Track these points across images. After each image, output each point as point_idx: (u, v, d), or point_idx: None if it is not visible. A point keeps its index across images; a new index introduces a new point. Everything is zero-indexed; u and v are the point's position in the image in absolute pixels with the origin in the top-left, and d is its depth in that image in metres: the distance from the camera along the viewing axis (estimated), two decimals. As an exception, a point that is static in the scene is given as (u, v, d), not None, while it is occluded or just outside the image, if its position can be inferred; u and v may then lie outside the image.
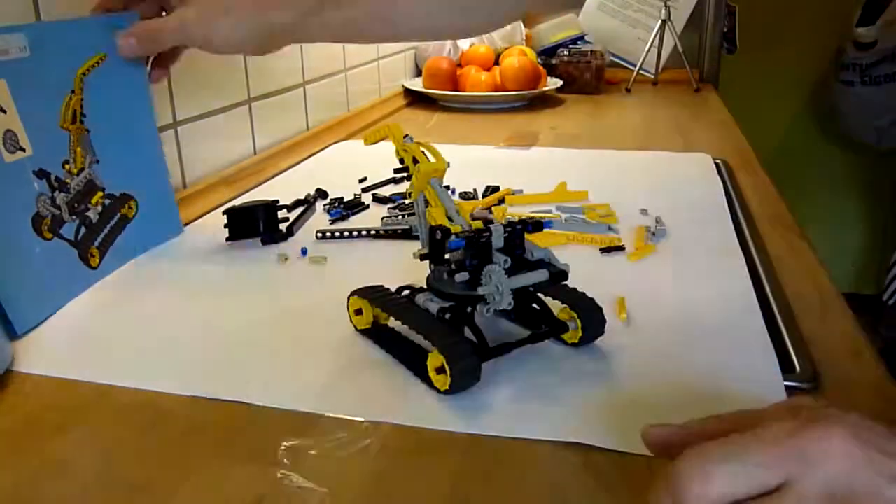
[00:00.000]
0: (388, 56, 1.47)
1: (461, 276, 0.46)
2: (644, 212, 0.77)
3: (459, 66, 1.51)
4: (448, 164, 0.52)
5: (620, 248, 0.67)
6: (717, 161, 1.00)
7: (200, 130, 0.87)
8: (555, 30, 1.67)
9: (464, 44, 1.52)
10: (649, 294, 0.58)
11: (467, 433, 0.41)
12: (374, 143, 0.57)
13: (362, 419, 0.43)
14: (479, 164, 1.00)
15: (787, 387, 0.45)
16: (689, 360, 0.48)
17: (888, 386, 0.46)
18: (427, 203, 0.52)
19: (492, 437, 0.41)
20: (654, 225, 0.72)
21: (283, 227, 0.72)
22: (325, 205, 0.82)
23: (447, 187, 0.84)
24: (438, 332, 0.46)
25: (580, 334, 0.49)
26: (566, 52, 1.62)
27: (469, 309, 0.47)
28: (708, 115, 1.39)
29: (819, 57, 2.34)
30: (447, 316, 0.47)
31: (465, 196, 0.84)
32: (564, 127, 1.27)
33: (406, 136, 0.53)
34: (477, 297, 0.46)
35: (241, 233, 0.70)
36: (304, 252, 0.67)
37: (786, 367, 0.47)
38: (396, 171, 0.53)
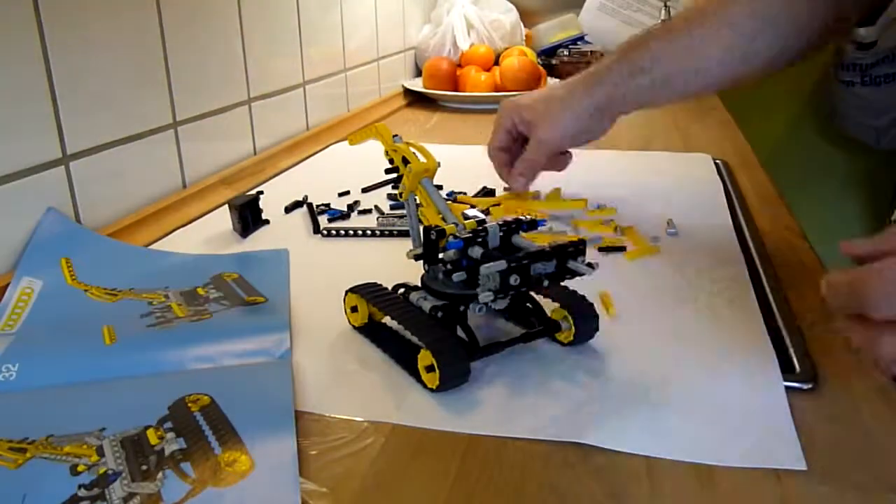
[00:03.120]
0: (388, 56, 1.47)
1: (458, 276, 0.46)
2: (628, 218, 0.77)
3: (459, 66, 1.51)
4: (439, 164, 0.52)
5: (620, 249, 0.67)
6: (717, 161, 1.00)
7: (200, 130, 0.87)
8: (555, 30, 1.67)
9: (464, 44, 1.52)
10: (648, 294, 0.58)
11: (467, 433, 0.41)
12: (359, 144, 0.57)
13: (362, 419, 0.43)
14: (479, 164, 0.99)
15: (787, 387, 0.45)
16: (689, 361, 0.48)
17: (888, 386, 0.46)
18: (418, 203, 0.52)
19: (492, 436, 0.41)
20: (666, 227, 0.72)
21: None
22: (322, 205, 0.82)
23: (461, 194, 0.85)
24: (429, 331, 0.46)
25: (573, 334, 0.49)
26: (566, 52, 1.62)
27: (462, 308, 0.47)
28: (708, 115, 1.39)
29: (819, 57, 2.34)
30: (439, 314, 0.47)
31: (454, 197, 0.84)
32: (564, 127, 1.26)
33: (395, 136, 0.53)
34: (469, 297, 0.46)
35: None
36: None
37: (786, 367, 0.47)
38: (387, 171, 0.53)
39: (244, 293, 0.59)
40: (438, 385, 0.44)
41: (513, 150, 0.79)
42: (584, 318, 0.49)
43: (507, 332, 0.50)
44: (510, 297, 0.46)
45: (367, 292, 0.52)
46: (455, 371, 0.45)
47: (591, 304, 0.50)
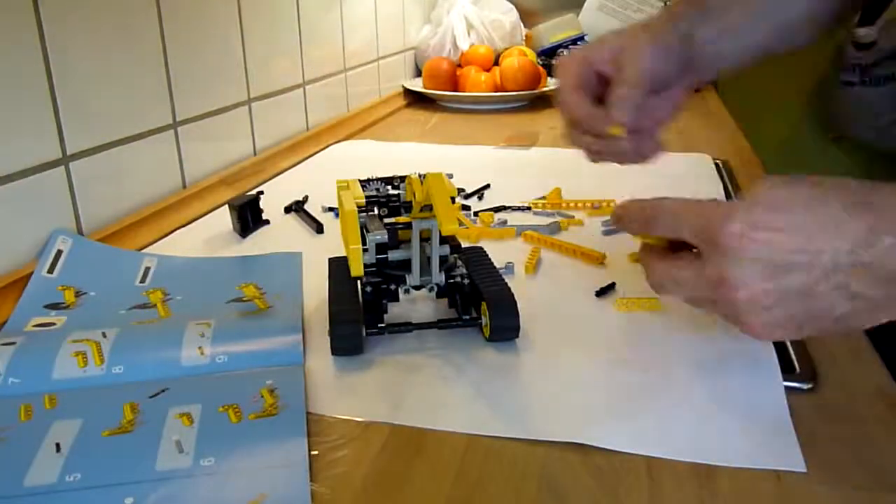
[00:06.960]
0: (388, 56, 1.47)
1: (394, 255, 0.50)
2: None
3: (459, 66, 1.51)
4: (451, 178, 0.52)
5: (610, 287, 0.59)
6: (717, 161, 1.00)
7: (200, 130, 0.87)
8: (555, 30, 1.67)
9: (464, 44, 1.52)
10: (648, 294, 0.58)
11: (467, 433, 0.41)
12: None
13: (362, 419, 0.43)
14: (480, 164, 1.00)
15: (787, 387, 0.45)
16: (689, 361, 0.48)
17: (888, 386, 0.46)
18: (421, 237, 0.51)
19: (492, 437, 0.41)
20: None
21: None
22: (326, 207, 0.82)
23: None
24: (338, 300, 0.50)
25: (489, 330, 0.50)
26: (566, 53, 1.62)
27: (393, 286, 0.50)
28: (708, 115, 1.39)
29: (819, 57, 2.34)
30: (368, 289, 0.50)
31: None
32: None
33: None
34: (397, 277, 0.50)
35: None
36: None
37: (786, 367, 0.47)
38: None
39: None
40: (332, 350, 0.49)
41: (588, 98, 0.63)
42: (498, 315, 0.49)
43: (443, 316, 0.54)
44: (439, 286, 0.51)
45: (334, 263, 0.56)
46: (344, 340, 0.48)
47: (512, 303, 0.50)
